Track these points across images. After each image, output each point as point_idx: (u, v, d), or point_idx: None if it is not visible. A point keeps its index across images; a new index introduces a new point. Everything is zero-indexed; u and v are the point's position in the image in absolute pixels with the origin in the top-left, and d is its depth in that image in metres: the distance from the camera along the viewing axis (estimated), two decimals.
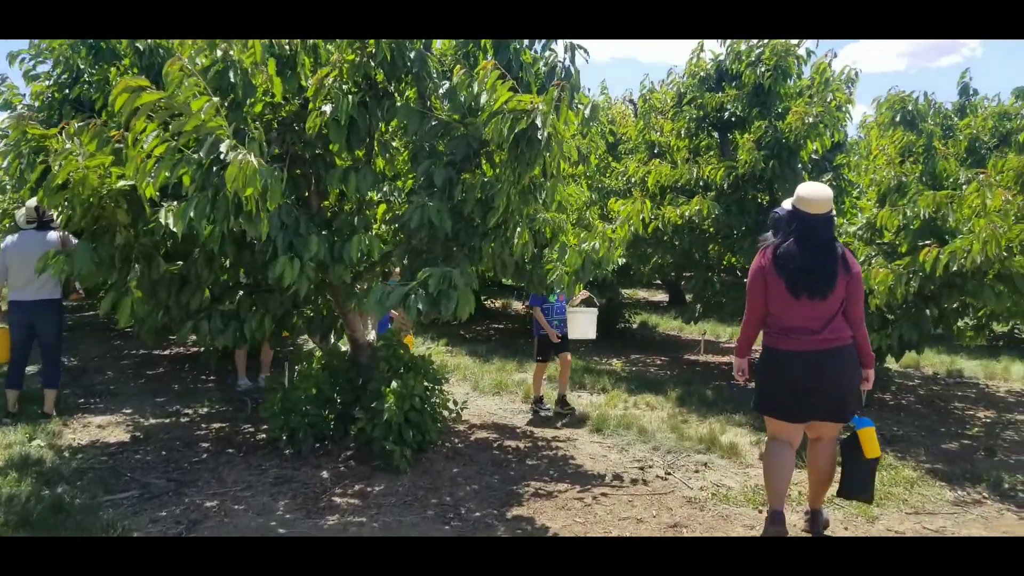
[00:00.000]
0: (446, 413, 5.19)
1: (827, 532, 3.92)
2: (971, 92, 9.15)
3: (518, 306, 13.82)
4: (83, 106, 5.79)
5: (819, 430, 3.76)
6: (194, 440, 5.33)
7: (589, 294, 6.44)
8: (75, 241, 5.11)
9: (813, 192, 3.61)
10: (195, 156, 3.56)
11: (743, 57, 7.60)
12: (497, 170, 4.38)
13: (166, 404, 6.35)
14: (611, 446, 5.44)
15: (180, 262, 4.66)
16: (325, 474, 4.63)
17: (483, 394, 7.11)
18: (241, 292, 4.77)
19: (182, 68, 3.56)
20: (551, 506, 4.21)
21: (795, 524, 4.00)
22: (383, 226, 5.08)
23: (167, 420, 5.86)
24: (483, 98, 4.00)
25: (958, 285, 5.75)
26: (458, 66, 4.24)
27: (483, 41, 4.70)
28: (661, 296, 17.25)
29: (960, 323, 6.82)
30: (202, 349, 7.30)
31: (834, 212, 3.70)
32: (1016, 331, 11.71)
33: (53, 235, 5.61)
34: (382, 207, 4.99)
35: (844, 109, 6.95)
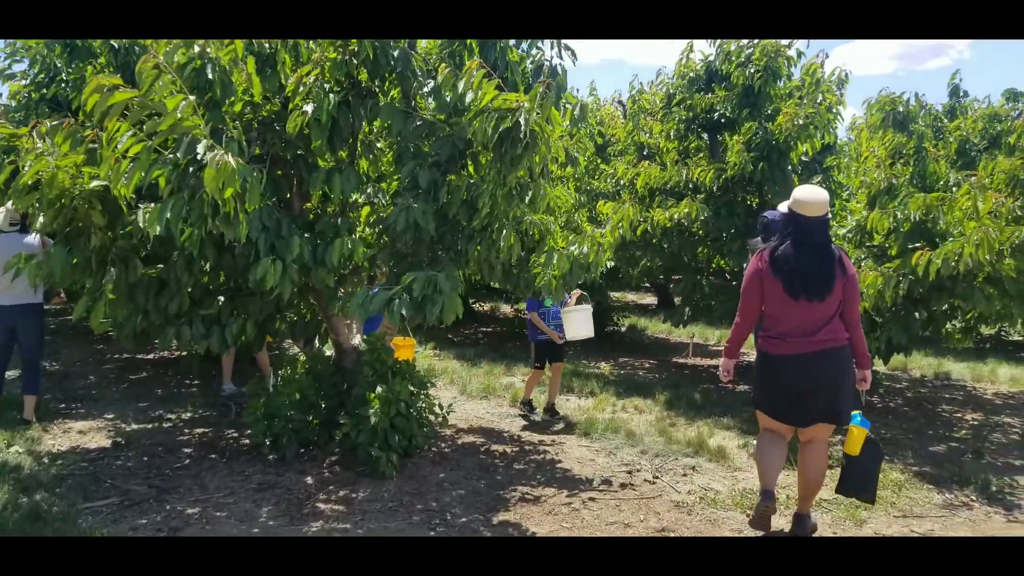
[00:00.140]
0: (432, 418, 5.11)
1: (815, 535, 3.88)
2: (961, 94, 9.16)
3: (507, 309, 13.75)
4: (60, 105, 5.70)
5: (811, 432, 3.76)
6: (177, 446, 5.24)
7: (582, 293, 6.38)
8: None
9: (810, 194, 3.63)
10: (171, 157, 3.48)
11: (733, 58, 7.57)
12: (483, 171, 4.32)
13: (149, 409, 6.24)
14: (599, 450, 5.38)
15: (161, 265, 4.57)
16: (309, 480, 4.56)
17: (471, 398, 7.04)
18: (222, 296, 4.68)
19: (156, 65, 3.48)
20: (538, 511, 4.15)
21: (783, 529, 3.96)
22: (367, 228, 5.00)
23: (149, 425, 5.76)
24: (468, 97, 3.94)
25: (948, 288, 5.72)
26: (443, 64, 4.18)
27: (469, 40, 4.64)
28: (650, 299, 17.22)
29: (948, 326, 6.80)
30: (184, 353, 7.20)
31: (829, 215, 3.71)
32: (1003, 333, 11.75)
33: (33, 238, 5.51)
34: (366, 209, 4.92)
35: (835, 110, 6.93)
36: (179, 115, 3.39)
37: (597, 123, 9.69)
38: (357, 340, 5.24)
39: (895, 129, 6.73)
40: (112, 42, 5.30)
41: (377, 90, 4.47)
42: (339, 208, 4.70)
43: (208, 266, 4.58)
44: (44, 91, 5.82)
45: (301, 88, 4.11)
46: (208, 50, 3.83)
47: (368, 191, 4.78)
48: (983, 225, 5.09)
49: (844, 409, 3.68)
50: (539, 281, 4.82)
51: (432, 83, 4.26)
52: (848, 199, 7.59)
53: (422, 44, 4.87)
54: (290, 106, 4.15)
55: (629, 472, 4.87)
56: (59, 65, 5.75)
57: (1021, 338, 11.88)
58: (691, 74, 8.21)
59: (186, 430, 5.65)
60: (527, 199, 4.31)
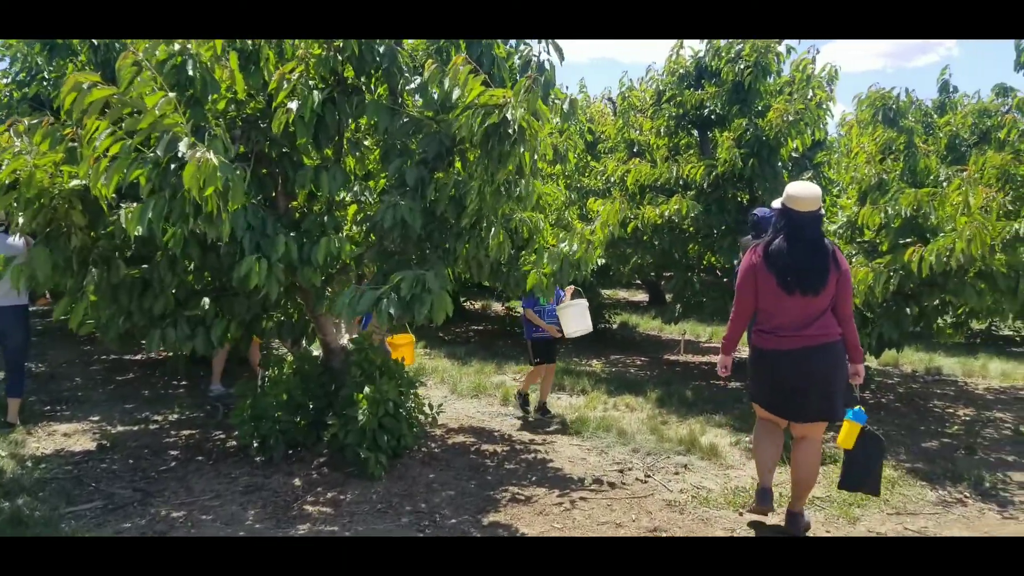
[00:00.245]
0: (422, 418, 5.06)
1: (808, 534, 3.87)
2: (951, 89, 9.15)
3: (498, 307, 13.70)
4: (43, 104, 5.62)
5: (804, 429, 3.76)
6: (163, 448, 5.17)
7: (577, 288, 6.33)
8: None
9: (803, 190, 3.64)
10: (152, 155, 3.41)
11: (723, 54, 7.53)
12: (471, 168, 4.27)
13: (135, 411, 6.17)
14: (590, 449, 5.34)
15: (145, 266, 4.51)
16: (297, 482, 4.50)
17: (461, 397, 6.99)
18: (207, 297, 4.61)
19: (136, 62, 3.41)
20: (529, 512, 4.10)
21: (780, 523, 3.95)
22: (354, 227, 4.94)
23: (135, 427, 5.69)
24: (455, 93, 3.89)
25: (939, 283, 5.71)
26: (429, 60, 4.12)
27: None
28: (641, 296, 17.21)
29: (940, 321, 6.80)
30: (170, 355, 7.13)
31: (822, 210, 3.74)
32: (994, 328, 11.79)
33: (17, 239, 5.42)
34: (353, 207, 4.86)
35: (825, 106, 6.91)
36: (158, 112, 3.32)
37: (587, 120, 9.65)
38: (345, 340, 5.19)
39: (885, 125, 6.70)
40: (92, 39, 5.21)
41: (363, 87, 4.41)
42: (325, 206, 4.64)
43: (192, 266, 4.53)
44: (26, 90, 5.73)
45: (285, 85, 4.04)
46: (189, 46, 3.76)
47: (355, 189, 4.72)
48: (974, 220, 5.08)
49: (837, 405, 3.68)
50: (530, 280, 4.76)
51: (419, 79, 4.20)
52: (839, 195, 7.59)
53: (409, 40, 4.81)
54: (274, 104, 4.08)
55: (621, 471, 4.83)
56: (40, 63, 5.66)
57: (1012, 333, 11.94)
58: (681, 71, 8.16)
59: (172, 432, 5.58)
60: (515, 196, 4.25)
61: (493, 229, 4.35)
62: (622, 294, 17.44)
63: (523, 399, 6.27)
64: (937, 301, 6.17)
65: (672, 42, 8.36)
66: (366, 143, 4.95)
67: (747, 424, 5.62)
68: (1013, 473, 4.90)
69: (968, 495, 4.49)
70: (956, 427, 6.07)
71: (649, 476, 4.73)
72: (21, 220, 4.04)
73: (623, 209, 4.92)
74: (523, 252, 4.98)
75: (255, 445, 4.82)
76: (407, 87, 4.31)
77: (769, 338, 3.70)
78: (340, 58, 4.12)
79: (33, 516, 3.87)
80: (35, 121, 3.87)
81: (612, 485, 4.56)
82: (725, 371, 4.04)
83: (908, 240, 5.65)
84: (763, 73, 7.22)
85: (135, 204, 3.59)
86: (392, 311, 3.86)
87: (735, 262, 6.40)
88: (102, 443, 5.23)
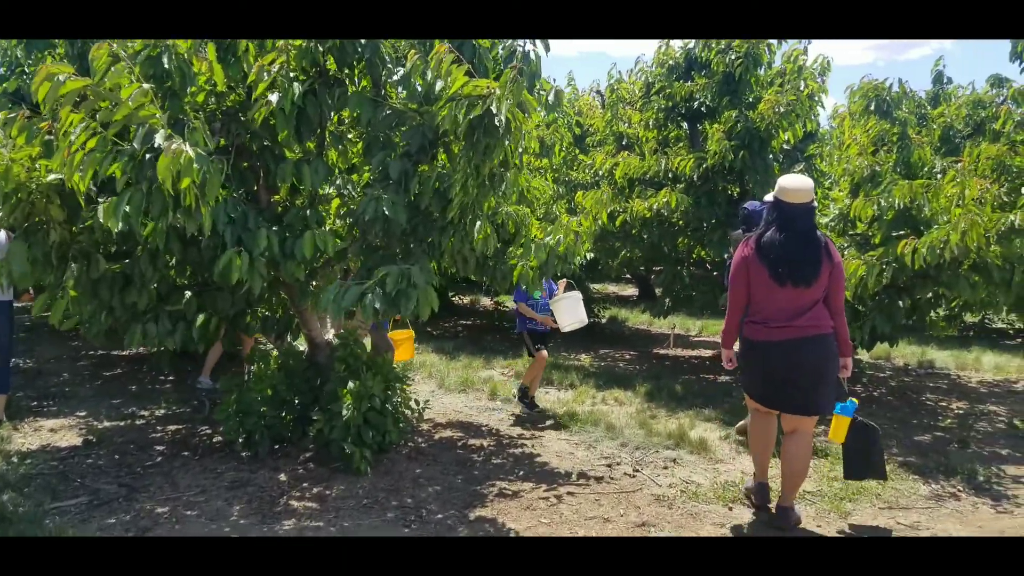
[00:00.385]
0: (408, 413, 5.02)
1: (798, 529, 3.83)
2: (945, 80, 9.08)
3: (487, 302, 13.65)
4: (24, 99, 5.54)
5: (795, 422, 3.76)
6: (149, 443, 5.13)
7: (569, 281, 6.27)
8: None
9: (795, 182, 3.67)
10: (128, 148, 3.35)
11: (713, 45, 7.45)
12: (455, 161, 4.21)
13: (122, 406, 6.13)
14: (578, 443, 5.30)
15: (127, 260, 4.45)
16: (283, 477, 4.46)
17: (449, 392, 6.95)
18: (189, 292, 4.56)
19: (111, 53, 3.35)
20: (516, 506, 4.07)
21: (768, 519, 3.92)
22: (338, 221, 4.89)
23: (122, 423, 5.65)
24: (438, 84, 3.83)
25: (932, 276, 5.67)
26: (412, 51, 4.06)
27: None
28: (631, 290, 17.17)
29: (932, 314, 6.76)
30: (152, 351, 7.07)
31: (815, 203, 3.74)
32: (987, 321, 11.76)
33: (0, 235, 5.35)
34: (336, 201, 4.80)
35: (817, 98, 6.85)
36: (133, 104, 3.26)
37: (575, 113, 9.56)
38: (331, 335, 5.14)
39: (878, 116, 6.63)
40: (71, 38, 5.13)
41: (346, 79, 4.34)
42: (308, 200, 4.58)
43: (174, 261, 4.47)
44: (5, 84, 5.65)
45: (265, 77, 3.97)
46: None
47: (337, 183, 4.66)
48: (969, 212, 5.03)
49: (828, 398, 3.69)
50: (516, 273, 4.70)
51: (402, 71, 4.13)
52: (831, 188, 7.52)
53: None
54: (254, 95, 4.02)
55: (609, 465, 4.79)
56: (20, 56, 5.58)
57: (1005, 326, 11.91)
58: (670, 62, 8.08)
59: (159, 427, 5.54)
60: (500, 190, 4.20)
61: (478, 223, 4.29)
62: (612, 288, 17.40)
63: (524, 394, 6.15)
64: (930, 294, 6.12)
65: None
66: (350, 136, 4.88)
67: (737, 418, 5.59)
68: (1007, 467, 4.87)
69: (961, 489, 4.45)
70: (949, 421, 6.03)
71: (638, 470, 4.69)
72: None
73: (608, 200, 4.86)
74: (511, 246, 4.92)
75: (240, 440, 4.79)
76: (390, 79, 4.25)
77: (760, 329, 3.71)
78: (321, 49, 4.06)
79: (17, 512, 3.82)
80: (11, 115, 3.80)
81: (600, 479, 4.52)
82: (731, 364, 4.03)
83: (901, 233, 5.60)
84: (754, 64, 7.15)
85: (113, 198, 3.53)
86: (377, 306, 3.81)
87: (725, 256, 6.35)
88: (88, 438, 5.18)
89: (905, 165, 6.52)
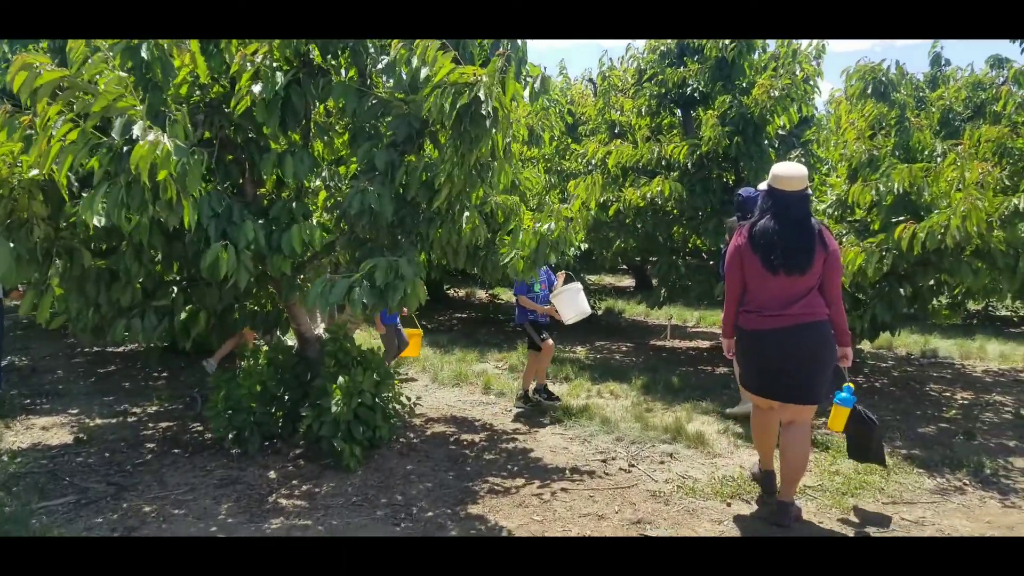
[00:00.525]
0: (399, 408, 4.95)
1: (798, 523, 3.77)
2: (943, 63, 8.92)
3: (482, 295, 13.56)
4: (13, 96, 5.44)
5: (792, 413, 3.72)
6: (140, 441, 5.08)
7: (568, 273, 6.18)
8: None
9: (788, 169, 3.65)
10: (106, 139, 3.28)
11: None
12: (442, 150, 4.13)
13: (114, 403, 6.08)
14: (573, 438, 5.22)
15: (113, 256, 4.39)
16: (272, 474, 4.41)
17: (442, 386, 6.88)
18: (176, 287, 4.50)
19: (89, 43, 3.27)
20: (508, 503, 4.00)
21: (768, 513, 3.85)
22: (324, 214, 4.81)
23: (114, 420, 5.60)
24: (424, 72, 3.75)
25: (934, 263, 5.58)
26: (397, 40, 3.96)
27: None
28: (628, 281, 17.04)
29: (935, 302, 6.66)
30: (141, 347, 7.02)
31: (810, 190, 3.72)
32: (991, 309, 11.62)
33: None
34: (323, 194, 4.72)
35: (812, 82, 6.74)
36: (110, 95, 3.18)
37: (567, 102, 9.44)
38: (320, 329, 5.07)
39: (876, 99, 6.50)
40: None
41: (331, 68, 4.25)
42: (294, 193, 4.50)
43: (159, 256, 4.40)
44: None
45: (248, 67, 3.89)
46: None
47: (324, 175, 4.58)
48: (970, 196, 4.93)
49: (824, 387, 3.65)
50: (505, 261, 4.62)
51: (386, 59, 4.05)
52: (828, 173, 7.40)
53: None
54: (237, 86, 3.94)
55: (604, 460, 4.71)
56: (6, 51, 5.50)
57: (1010, 313, 11.79)
58: (662, 48, 7.98)
59: (151, 424, 5.49)
60: (488, 179, 4.11)
61: (466, 213, 4.21)
62: (608, 279, 17.30)
63: (544, 392, 6.03)
64: (932, 281, 6.02)
65: None
66: (337, 128, 4.79)
67: None
68: (1015, 459, 4.76)
69: (968, 482, 4.35)
70: (954, 411, 5.92)
71: (633, 466, 4.61)
72: None
73: (599, 187, 4.76)
74: (504, 236, 4.84)
75: (230, 437, 4.73)
76: (375, 67, 4.16)
77: (754, 318, 3.69)
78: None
79: (3, 512, 3.78)
80: None
81: (595, 475, 4.45)
82: (731, 354, 4.02)
83: (901, 218, 5.50)
84: (748, 48, 7.04)
85: (92, 191, 3.46)
86: (365, 300, 3.75)
87: (721, 245, 6.25)
88: (79, 436, 5.14)
89: (904, 149, 6.41)
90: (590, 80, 11.40)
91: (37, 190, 3.93)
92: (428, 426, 5.51)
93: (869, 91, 6.53)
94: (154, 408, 5.95)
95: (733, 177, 7.30)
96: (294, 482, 4.28)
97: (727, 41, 7.08)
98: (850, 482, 4.27)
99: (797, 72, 6.80)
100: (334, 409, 4.37)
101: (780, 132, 7.26)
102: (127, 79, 3.27)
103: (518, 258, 4.70)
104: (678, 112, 8.16)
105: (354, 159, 4.61)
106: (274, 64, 3.94)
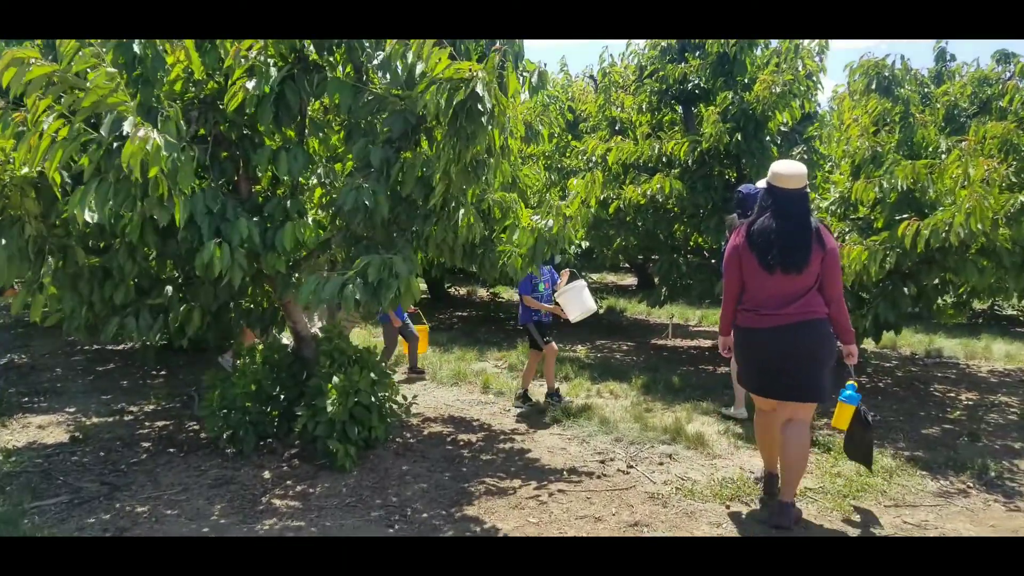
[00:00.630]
0: (395, 407, 4.90)
1: (797, 526, 3.71)
2: (948, 58, 8.80)
3: (483, 293, 13.51)
4: (3, 93, 5.40)
5: (791, 411, 3.69)
6: (135, 440, 5.05)
7: (572, 270, 6.12)
8: None
9: (787, 167, 3.63)
10: (96, 135, 3.24)
11: None
12: (438, 147, 4.07)
13: (112, 402, 6.06)
14: (571, 438, 5.16)
15: (107, 254, 4.35)
16: (267, 474, 4.37)
17: (441, 385, 6.83)
18: (170, 286, 4.45)
19: (81, 40, 3.23)
20: (504, 505, 3.95)
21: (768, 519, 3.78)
22: (320, 211, 4.76)
23: (110, 419, 5.57)
24: (419, 67, 3.69)
25: (938, 261, 5.49)
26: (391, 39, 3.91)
27: None
28: (630, 279, 16.95)
29: (940, 301, 6.57)
30: (136, 346, 6.99)
31: (808, 188, 3.69)
32: (997, 308, 11.51)
33: None
34: (318, 191, 4.67)
35: (815, 78, 6.66)
36: (100, 89, 3.13)
37: (568, 99, 9.36)
38: (317, 328, 5.02)
39: (880, 94, 6.41)
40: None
41: (326, 64, 4.20)
42: (289, 190, 4.45)
43: (154, 254, 4.37)
44: None
45: (243, 62, 3.84)
46: None
47: (319, 172, 4.53)
48: (975, 193, 4.84)
49: (822, 386, 3.62)
50: (502, 260, 4.57)
51: (382, 54, 3.99)
52: (831, 170, 7.31)
53: None
54: (230, 81, 3.89)
55: (602, 461, 4.65)
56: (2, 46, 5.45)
57: (1016, 312, 11.67)
58: (663, 44, 7.89)
59: (147, 423, 5.47)
60: (483, 176, 4.06)
61: (462, 210, 4.16)
62: (610, 278, 17.23)
63: (555, 395, 5.98)
64: (937, 280, 5.94)
65: None
66: (334, 125, 4.74)
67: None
68: (1020, 461, 4.67)
69: (972, 485, 4.27)
70: (958, 412, 5.84)
71: (632, 467, 4.55)
72: None
73: (598, 184, 4.69)
74: (503, 233, 4.79)
75: (225, 437, 4.69)
76: (370, 62, 4.10)
77: (751, 316, 3.69)
78: None
79: None
80: None
81: (592, 476, 4.39)
82: (728, 352, 4.02)
83: (905, 216, 5.41)
84: (750, 43, 6.95)
85: (81, 187, 3.42)
86: (358, 297, 3.70)
87: (723, 243, 6.18)
88: (75, 435, 5.11)
89: (908, 145, 6.32)
90: (591, 77, 11.32)
91: (29, 187, 3.91)
92: (425, 426, 5.46)
93: (873, 87, 6.43)
94: (151, 407, 5.92)
95: (735, 174, 7.22)
96: (288, 482, 4.23)
97: None
98: (852, 484, 4.20)
99: (799, 68, 6.71)
100: (329, 409, 4.33)
101: (782, 129, 7.17)
102: (117, 74, 3.22)
103: (516, 256, 4.64)
104: (679, 108, 8.08)
105: (350, 156, 4.56)
106: (269, 60, 3.89)
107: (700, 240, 7.90)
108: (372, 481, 4.26)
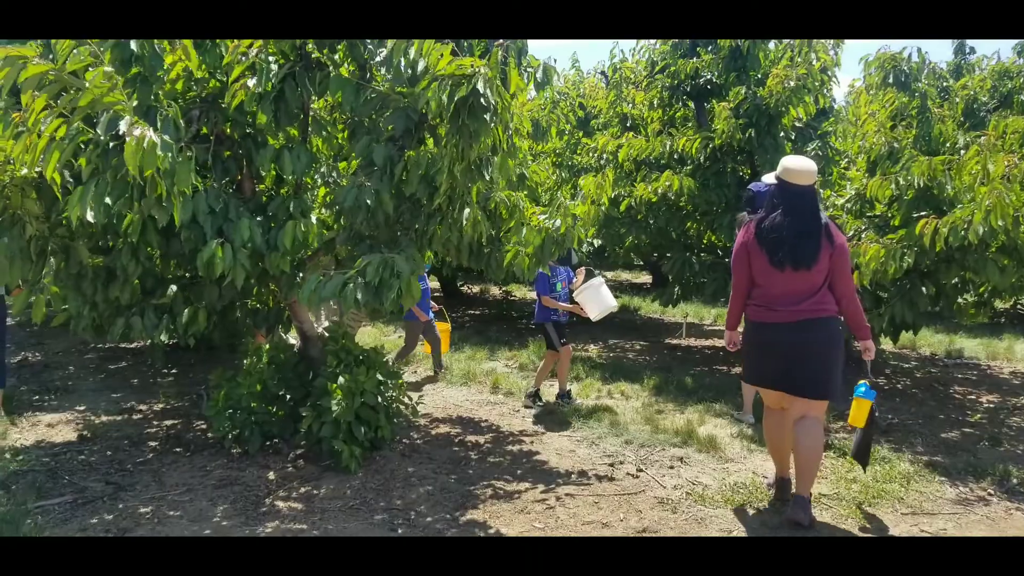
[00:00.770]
0: (403, 408, 4.84)
1: (810, 530, 3.61)
2: (967, 51, 8.59)
3: (496, 292, 13.44)
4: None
5: (802, 408, 3.65)
6: (143, 439, 5.04)
7: (588, 268, 6.04)
8: None
9: (797, 162, 3.62)
10: (93, 135, 3.20)
11: None
12: (441, 145, 4.01)
13: (121, 400, 6.07)
14: (580, 440, 5.08)
15: (109, 254, 4.33)
16: (271, 475, 4.33)
17: (450, 384, 6.77)
18: (175, 285, 4.43)
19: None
20: (509, 509, 3.88)
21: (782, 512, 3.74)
22: (324, 210, 4.72)
23: (119, 417, 5.57)
24: (421, 64, 3.63)
25: (957, 260, 5.36)
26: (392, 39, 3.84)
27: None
28: (645, 278, 16.82)
29: (961, 300, 6.41)
30: (147, 344, 6.99)
31: (818, 184, 3.68)
32: (1019, 307, 11.28)
33: None
34: (323, 190, 4.62)
35: (830, 72, 6.52)
36: (96, 88, 3.09)
37: (579, 95, 9.26)
38: (323, 327, 4.99)
39: (897, 89, 6.26)
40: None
41: (328, 62, 4.15)
42: (293, 189, 4.41)
43: (158, 254, 4.34)
44: None
45: (243, 60, 3.79)
46: None
47: (322, 171, 4.48)
48: (995, 189, 4.70)
49: (833, 383, 3.60)
50: (508, 259, 4.50)
51: (384, 51, 3.93)
52: (847, 167, 7.17)
53: None
54: (230, 79, 3.85)
55: (611, 464, 4.57)
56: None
57: None
58: (674, 38, 7.76)
59: (155, 422, 5.46)
60: (487, 175, 3.99)
61: (467, 209, 4.09)
62: (625, 276, 17.11)
63: (566, 396, 5.95)
64: (956, 279, 5.79)
65: None
66: (339, 124, 4.69)
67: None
68: None
69: (992, 492, 4.13)
70: (979, 415, 5.69)
71: (641, 470, 4.46)
72: None
73: (609, 183, 4.62)
74: (509, 232, 4.73)
75: (230, 437, 4.66)
76: (373, 60, 4.05)
77: (762, 311, 3.68)
78: None
79: None
80: None
81: (601, 480, 4.31)
82: (734, 347, 4.04)
83: (922, 213, 5.29)
84: None
85: (79, 187, 3.39)
86: (359, 296, 3.65)
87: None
88: (83, 434, 5.11)
89: (926, 141, 6.18)
90: (602, 73, 11.20)
91: (30, 188, 3.89)
92: (433, 426, 5.41)
93: (890, 80, 6.29)
94: (160, 405, 5.92)
95: (748, 171, 7.10)
96: (293, 484, 4.20)
97: None
98: (868, 491, 4.09)
99: (814, 62, 6.59)
100: (335, 409, 4.29)
101: (796, 124, 7.05)
102: (113, 73, 3.18)
103: (523, 255, 4.58)
104: (691, 104, 7.96)
105: (354, 154, 4.52)
106: (270, 58, 3.84)
107: (713, 238, 7.78)
108: (377, 483, 4.21)
